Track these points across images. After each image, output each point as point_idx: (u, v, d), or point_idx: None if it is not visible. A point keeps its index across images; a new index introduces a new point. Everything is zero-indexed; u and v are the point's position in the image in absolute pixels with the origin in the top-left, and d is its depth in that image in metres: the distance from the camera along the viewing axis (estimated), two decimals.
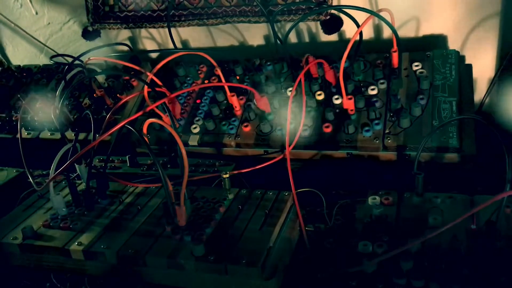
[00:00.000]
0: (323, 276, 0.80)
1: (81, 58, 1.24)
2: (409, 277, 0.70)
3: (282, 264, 0.81)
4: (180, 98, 1.24)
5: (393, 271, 0.71)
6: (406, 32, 1.26)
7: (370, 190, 0.89)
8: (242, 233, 0.83)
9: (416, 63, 1.13)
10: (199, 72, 1.32)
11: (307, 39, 1.38)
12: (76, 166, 1.01)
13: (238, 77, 1.26)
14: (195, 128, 1.17)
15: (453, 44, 1.26)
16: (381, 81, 1.11)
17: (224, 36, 1.46)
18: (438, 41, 1.26)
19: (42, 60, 1.69)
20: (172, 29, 1.34)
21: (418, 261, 0.72)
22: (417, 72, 1.11)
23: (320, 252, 0.85)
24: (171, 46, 1.50)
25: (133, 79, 1.34)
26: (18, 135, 1.18)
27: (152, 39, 1.52)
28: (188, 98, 1.25)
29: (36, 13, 1.61)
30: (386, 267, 0.72)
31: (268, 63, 1.26)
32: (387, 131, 1.02)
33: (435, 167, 0.98)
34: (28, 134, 1.31)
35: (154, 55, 1.54)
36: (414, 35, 1.28)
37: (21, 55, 1.71)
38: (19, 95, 1.37)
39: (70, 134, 1.25)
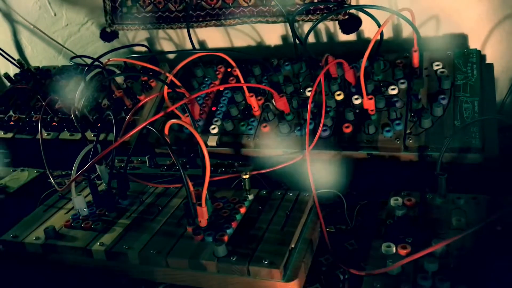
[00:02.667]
0: (346, 278, 0.79)
1: (100, 59, 1.25)
2: (435, 279, 0.69)
3: (304, 265, 0.80)
4: (198, 99, 1.24)
5: (418, 273, 0.70)
6: (426, 31, 1.24)
7: (391, 191, 0.89)
8: (263, 234, 0.83)
9: (436, 63, 1.12)
10: (217, 72, 1.32)
11: (325, 39, 1.37)
12: (97, 166, 1.01)
13: (256, 78, 1.26)
14: (213, 128, 1.17)
15: (474, 43, 1.24)
16: (401, 81, 1.10)
17: (241, 36, 1.46)
18: (458, 40, 1.25)
19: (60, 61, 1.70)
20: (190, 30, 1.34)
21: (443, 263, 0.71)
22: (438, 72, 1.10)
23: (341, 253, 0.85)
24: (188, 47, 1.50)
25: (151, 80, 1.35)
26: (38, 136, 1.20)
27: (169, 40, 1.53)
28: (206, 99, 1.25)
29: (55, 15, 1.62)
30: (410, 269, 0.72)
31: (286, 63, 1.25)
32: (408, 131, 1.01)
33: (457, 168, 0.97)
34: (47, 135, 1.32)
35: (171, 56, 1.54)
36: (434, 34, 1.26)
37: (39, 56, 1.73)
38: (38, 96, 1.38)
39: (89, 135, 1.26)
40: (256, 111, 1.16)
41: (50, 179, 1.11)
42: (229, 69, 1.31)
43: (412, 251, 0.75)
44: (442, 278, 0.68)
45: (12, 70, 1.58)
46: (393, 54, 1.18)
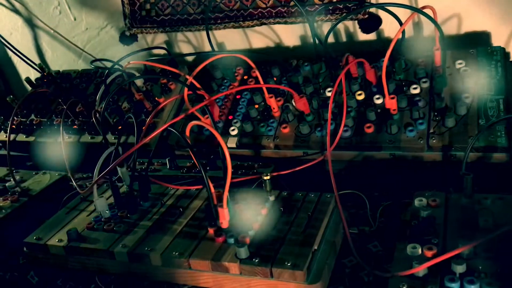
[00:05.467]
0: (370, 280, 0.78)
1: (120, 63, 1.26)
2: (463, 281, 0.67)
3: (327, 267, 0.79)
4: (217, 100, 1.24)
5: (445, 275, 0.69)
6: (448, 29, 1.22)
7: (415, 192, 0.87)
8: (285, 236, 0.82)
9: (459, 61, 1.10)
10: (236, 74, 1.31)
11: (344, 39, 1.36)
12: (118, 169, 1.02)
13: (275, 78, 1.25)
14: (233, 130, 1.16)
15: (497, 41, 1.22)
16: (424, 79, 1.09)
17: (259, 37, 1.45)
18: (481, 38, 1.23)
19: (80, 65, 1.72)
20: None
21: (471, 265, 0.70)
22: (461, 70, 1.08)
23: (365, 255, 0.83)
24: (206, 49, 1.51)
25: (171, 83, 1.35)
26: (60, 139, 1.21)
27: (188, 42, 1.53)
28: (225, 100, 1.25)
29: (75, 19, 1.64)
30: (437, 270, 0.70)
31: (306, 64, 1.25)
32: (431, 130, 0.99)
33: (482, 167, 0.95)
34: (68, 138, 1.33)
35: (190, 58, 1.55)
36: (455, 32, 1.24)
37: (60, 60, 1.75)
38: (60, 100, 1.39)
39: (109, 138, 1.26)
40: (276, 112, 1.16)
41: (71, 181, 1.11)
42: (246, 77, 1.30)
43: (438, 252, 0.73)
44: (471, 280, 0.66)
45: (33, 75, 1.59)
46: (414, 53, 1.16)
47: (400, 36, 1.08)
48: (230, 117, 1.20)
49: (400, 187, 0.97)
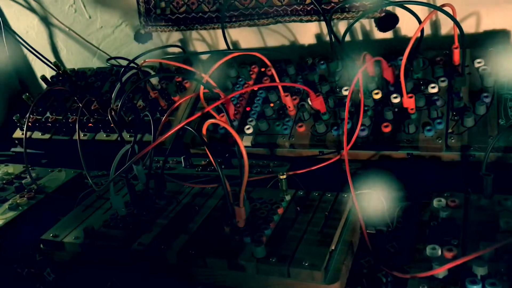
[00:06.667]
0: (388, 281, 0.77)
1: (136, 61, 1.26)
2: (484, 284, 0.66)
3: (345, 268, 0.79)
4: (232, 99, 1.23)
5: (466, 277, 0.67)
6: (466, 27, 1.21)
7: (434, 192, 0.86)
8: (302, 235, 0.81)
9: (478, 60, 1.09)
10: (251, 72, 1.31)
11: (360, 37, 1.35)
12: (134, 166, 1.02)
13: (290, 77, 1.24)
14: (248, 129, 1.16)
15: None
16: (442, 78, 1.07)
17: (274, 36, 1.44)
18: (499, 36, 1.21)
19: (95, 63, 1.73)
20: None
21: (492, 267, 0.68)
22: (480, 69, 1.07)
23: (383, 256, 0.83)
24: (220, 47, 1.50)
25: (185, 81, 1.35)
26: (75, 137, 1.21)
27: (202, 40, 1.53)
28: (240, 99, 1.24)
29: (90, 17, 1.65)
30: (458, 272, 0.69)
31: (322, 62, 1.24)
32: (450, 130, 0.98)
33: (502, 168, 0.94)
34: (84, 136, 1.33)
35: (204, 57, 1.54)
36: (474, 31, 1.23)
37: (75, 58, 1.76)
38: (75, 98, 1.40)
39: (124, 135, 1.26)
40: (291, 111, 1.15)
41: (87, 179, 1.12)
42: (263, 69, 1.30)
43: (458, 253, 0.72)
44: (494, 283, 0.65)
45: (49, 73, 1.60)
46: (432, 52, 1.15)
47: (419, 34, 1.07)
48: (248, 109, 1.20)
49: (417, 187, 0.96)
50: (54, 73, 1.56)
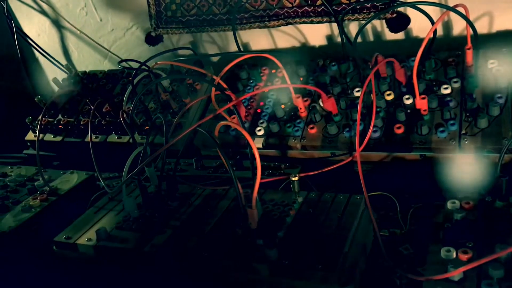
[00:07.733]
0: (402, 283, 0.77)
1: (147, 63, 1.26)
2: (501, 286, 0.65)
3: (358, 270, 0.78)
4: (243, 101, 1.23)
5: (482, 280, 0.67)
6: (479, 28, 1.19)
7: (448, 194, 0.85)
8: (315, 237, 0.81)
9: (491, 60, 1.07)
10: (261, 74, 1.31)
11: (371, 38, 1.34)
12: (146, 168, 1.02)
13: (301, 78, 1.24)
14: (259, 130, 1.16)
15: None
16: (455, 79, 1.07)
17: (285, 37, 1.44)
18: None
19: (106, 65, 1.74)
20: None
21: (509, 270, 0.68)
22: (493, 70, 1.06)
23: (396, 258, 0.82)
24: (231, 49, 1.50)
25: (196, 83, 1.35)
26: (87, 139, 1.22)
27: (213, 42, 1.53)
28: (251, 101, 1.24)
29: (101, 20, 1.66)
30: (473, 275, 0.68)
31: (333, 63, 1.23)
32: (463, 131, 0.97)
33: None
34: (96, 138, 1.34)
35: (215, 59, 1.55)
36: (486, 31, 1.22)
37: (86, 61, 1.77)
38: (87, 100, 1.41)
39: (136, 138, 1.27)
40: (303, 112, 1.15)
41: (99, 181, 1.12)
42: (273, 71, 1.30)
43: (473, 256, 0.71)
44: (511, 286, 0.64)
45: (60, 75, 1.61)
46: (444, 53, 1.14)
47: (432, 35, 1.07)
48: (259, 110, 1.20)
49: (430, 188, 0.95)
50: (65, 75, 1.57)
